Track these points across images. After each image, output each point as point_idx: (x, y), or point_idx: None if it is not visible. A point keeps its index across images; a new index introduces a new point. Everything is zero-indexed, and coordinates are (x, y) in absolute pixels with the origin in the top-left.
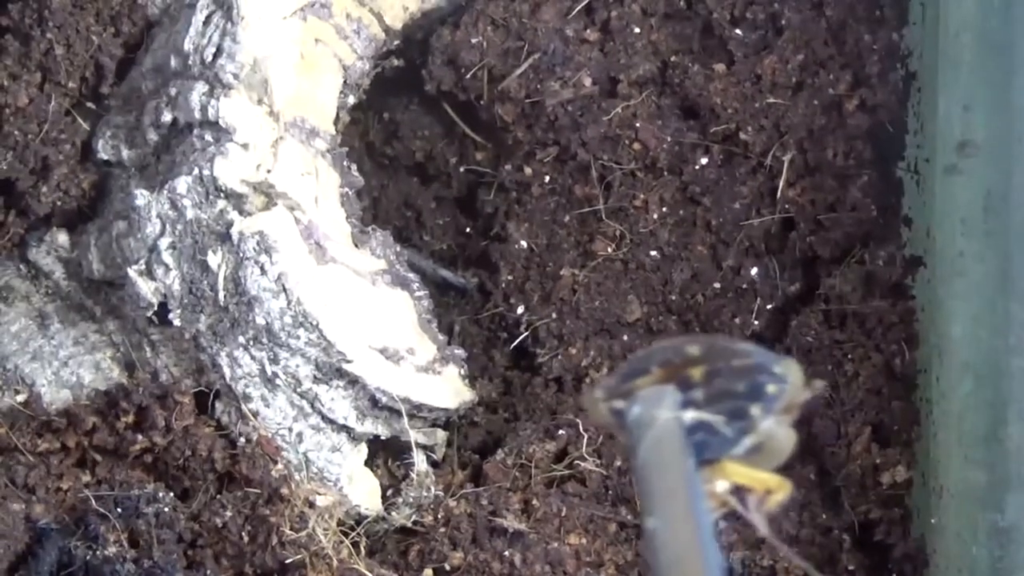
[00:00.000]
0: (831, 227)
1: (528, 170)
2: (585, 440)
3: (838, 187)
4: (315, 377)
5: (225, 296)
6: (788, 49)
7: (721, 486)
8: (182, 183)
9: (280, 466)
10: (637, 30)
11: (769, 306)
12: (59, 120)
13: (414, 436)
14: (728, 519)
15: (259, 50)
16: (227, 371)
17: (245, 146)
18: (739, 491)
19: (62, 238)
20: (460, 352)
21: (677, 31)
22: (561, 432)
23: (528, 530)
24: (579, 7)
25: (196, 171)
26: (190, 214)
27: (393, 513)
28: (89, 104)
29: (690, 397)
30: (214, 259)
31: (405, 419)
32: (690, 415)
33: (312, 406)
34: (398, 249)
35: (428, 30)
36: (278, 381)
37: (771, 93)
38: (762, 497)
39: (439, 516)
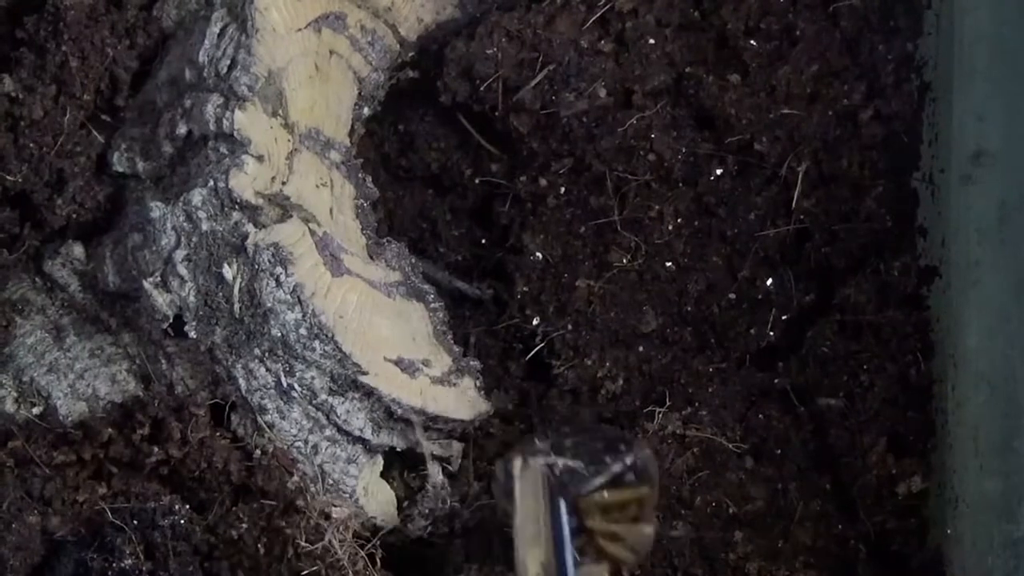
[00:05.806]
0: (846, 237)
1: (543, 181)
2: None
3: (853, 197)
4: (330, 389)
5: (240, 308)
6: (802, 60)
7: None
8: (197, 195)
9: (296, 478)
10: (652, 41)
11: (784, 316)
12: (74, 133)
13: (430, 448)
14: None
15: (274, 62)
16: (243, 383)
17: (260, 158)
18: None
19: (77, 250)
20: (476, 363)
21: (692, 42)
22: None
23: None
24: (594, 18)
25: (211, 183)
26: (205, 226)
27: (409, 525)
28: (104, 116)
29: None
30: (229, 271)
31: (420, 431)
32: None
33: (327, 418)
34: (413, 260)
35: (443, 42)
36: (293, 393)
37: (786, 104)
38: None
39: (455, 528)
